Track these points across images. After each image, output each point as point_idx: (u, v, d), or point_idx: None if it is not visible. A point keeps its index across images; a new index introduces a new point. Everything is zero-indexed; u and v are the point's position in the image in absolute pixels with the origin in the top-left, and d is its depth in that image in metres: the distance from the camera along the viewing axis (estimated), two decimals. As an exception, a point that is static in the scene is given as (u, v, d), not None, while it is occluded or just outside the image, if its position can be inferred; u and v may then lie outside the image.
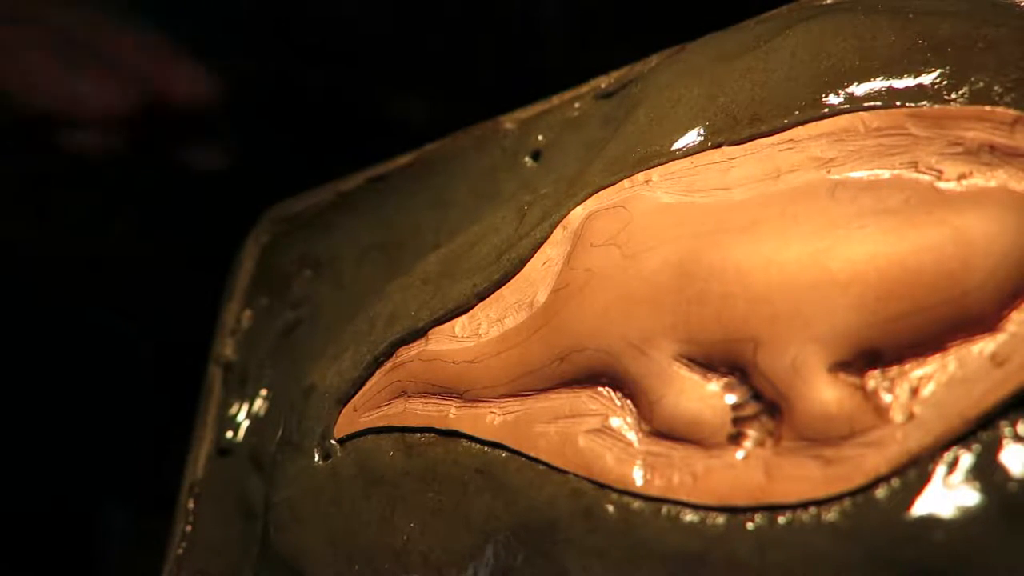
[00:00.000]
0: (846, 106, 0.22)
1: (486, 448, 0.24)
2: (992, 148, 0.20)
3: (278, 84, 0.43)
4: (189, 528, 0.32)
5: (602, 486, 0.21)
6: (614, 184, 0.25)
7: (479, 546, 0.23)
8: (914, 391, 0.19)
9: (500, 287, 0.26)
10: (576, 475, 0.22)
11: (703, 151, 0.24)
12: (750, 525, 0.19)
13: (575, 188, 0.26)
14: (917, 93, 0.22)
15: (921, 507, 0.18)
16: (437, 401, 0.25)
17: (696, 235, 0.22)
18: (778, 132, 0.23)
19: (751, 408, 0.20)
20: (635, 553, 0.20)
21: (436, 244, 0.30)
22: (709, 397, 0.21)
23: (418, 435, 0.25)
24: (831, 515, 0.19)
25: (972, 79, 0.21)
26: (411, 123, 0.44)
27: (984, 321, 0.19)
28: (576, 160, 0.28)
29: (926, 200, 0.20)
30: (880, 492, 0.18)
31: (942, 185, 0.20)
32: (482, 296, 0.26)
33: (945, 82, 0.21)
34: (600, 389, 0.23)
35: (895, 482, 0.18)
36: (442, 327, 0.26)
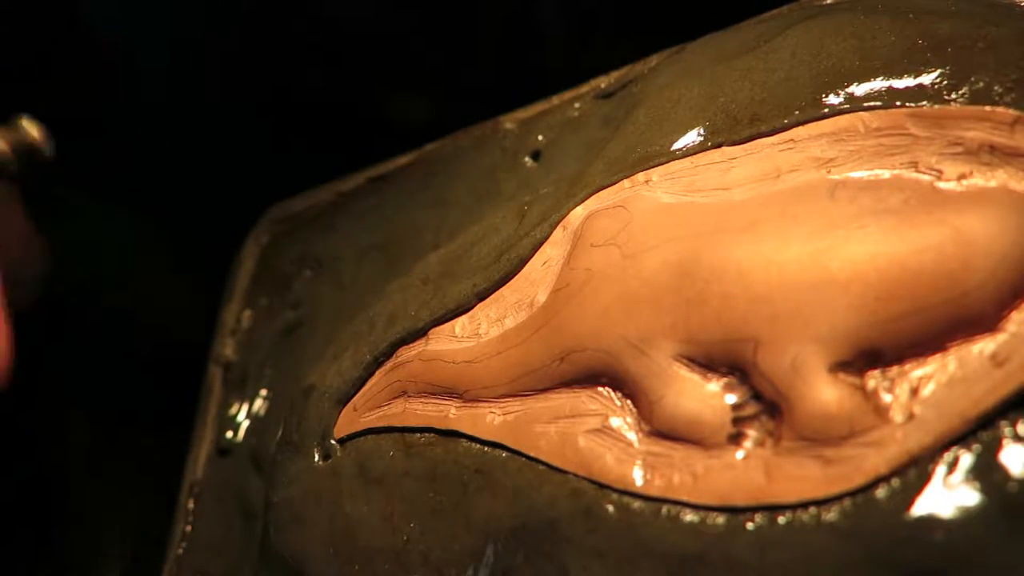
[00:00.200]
0: (846, 106, 0.22)
1: (486, 448, 0.24)
2: (992, 148, 0.20)
3: (278, 84, 0.43)
4: (189, 528, 0.32)
5: (602, 486, 0.21)
6: (614, 184, 0.25)
7: (479, 546, 0.23)
8: (914, 391, 0.19)
9: (500, 287, 0.26)
10: (576, 475, 0.22)
11: (703, 151, 0.24)
12: (750, 525, 0.19)
13: (575, 188, 0.26)
14: (917, 93, 0.22)
15: (921, 507, 0.18)
16: (437, 401, 0.25)
17: (696, 235, 0.22)
18: (778, 132, 0.23)
19: (751, 408, 0.20)
20: (635, 553, 0.20)
21: (436, 244, 0.30)
22: (709, 397, 0.21)
23: (418, 435, 0.25)
24: (831, 515, 0.19)
25: (972, 79, 0.21)
26: (411, 123, 0.44)
27: (984, 321, 0.19)
28: (576, 160, 0.28)
29: (926, 200, 0.20)
30: (880, 492, 0.18)
31: (942, 185, 0.20)
32: (482, 296, 0.26)
33: (945, 82, 0.21)
34: (600, 389, 0.22)
35: (895, 482, 0.18)
36: (442, 327, 0.26)
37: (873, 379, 0.19)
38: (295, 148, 0.43)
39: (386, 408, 0.26)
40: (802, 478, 0.19)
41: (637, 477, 0.21)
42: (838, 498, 0.19)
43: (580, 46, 0.42)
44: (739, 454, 0.20)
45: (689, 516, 0.20)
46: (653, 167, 0.24)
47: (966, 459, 0.18)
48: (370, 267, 0.32)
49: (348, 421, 0.27)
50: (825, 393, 0.19)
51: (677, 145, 0.24)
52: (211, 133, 0.43)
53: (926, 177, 0.20)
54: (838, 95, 0.22)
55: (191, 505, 0.32)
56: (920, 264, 0.19)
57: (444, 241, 0.30)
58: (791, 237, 0.21)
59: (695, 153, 0.24)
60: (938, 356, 0.19)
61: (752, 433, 0.20)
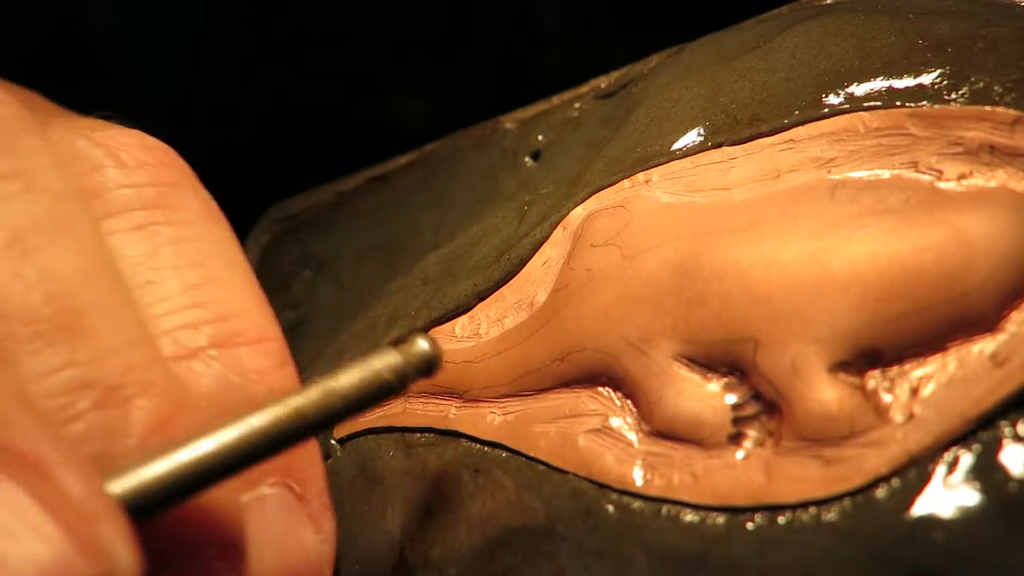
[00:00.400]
0: (846, 106, 0.22)
1: (486, 448, 0.24)
2: (992, 148, 0.20)
3: (278, 84, 0.43)
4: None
5: (602, 486, 0.21)
6: (614, 184, 0.25)
7: (479, 546, 0.23)
8: (914, 391, 0.19)
9: (500, 287, 0.26)
10: (576, 475, 0.22)
11: (703, 151, 0.24)
12: (750, 525, 0.19)
13: (575, 188, 0.26)
14: (917, 93, 0.22)
15: (921, 507, 0.18)
16: (437, 401, 0.25)
17: (696, 235, 0.22)
18: (778, 132, 0.23)
19: (751, 408, 0.20)
20: (635, 553, 0.20)
21: (436, 244, 0.30)
22: (709, 397, 0.21)
23: (418, 435, 0.25)
24: (831, 515, 0.19)
25: (972, 79, 0.21)
26: (411, 123, 0.44)
27: (984, 321, 0.19)
28: (576, 160, 0.28)
29: (926, 200, 0.20)
30: (880, 492, 0.18)
31: (942, 185, 0.20)
32: (482, 296, 0.26)
33: (945, 82, 0.21)
34: (600, 389, 0.23)
35: (895, 482, 0.18)
36: (442, 327, 0.26)
37: (873, 379, 0.19)
38: (295, 148, 0.43)
39: (386, 408, 0.26)
40: (802, 478, 0.19)
41: (637, 477, 0.21)
42: (838, 498, 0.19)
43: (580, 46, 0.42)
44: (739, 454, 0.20)
45: (689, 516, 0.20)
46: (653, 167, 0.24)
47: (966, 459, 0.18)
48: (370, 267, 0.32)
49: (348, 421, 0.27)
50: (825, 393, 0.19)
51: (677, 145, 0.24)
52: (210, 133, 0.43)
53: (926, 177, 0.20)
54: (838, 95, 0.22)
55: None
56: (920, 264, 0.19)
57: (444, 241, 0.30)
58: (791, 237, 0.21)
59: (695, 153, 0.24)
60: (938, 356, 0.19)
61: (752, 433, 0.20)
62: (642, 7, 0.41)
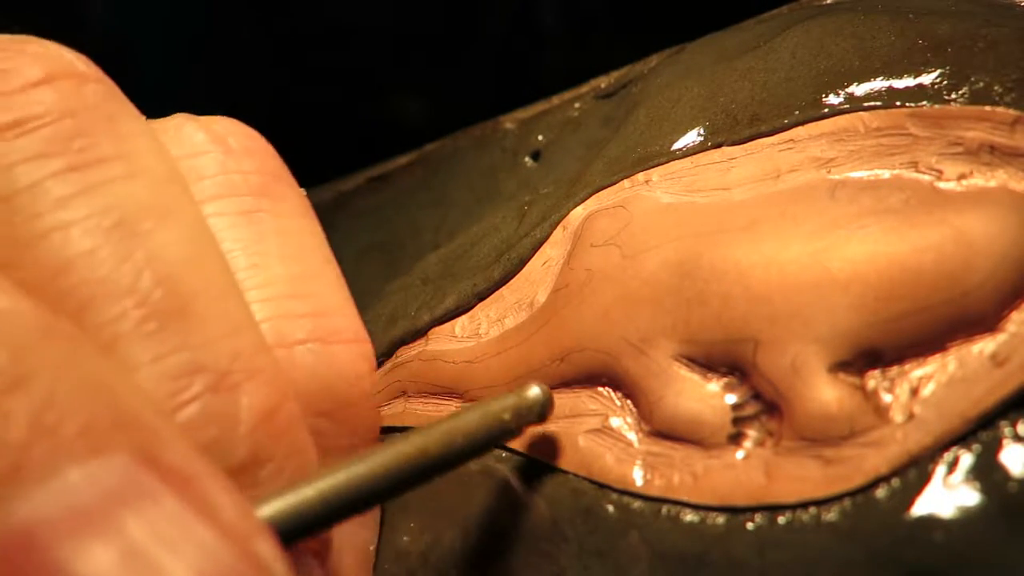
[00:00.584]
0: (846, 106, 0.22)
1: (486, 448, 0.24)
2: (992, 148, 0.20)
3: (278, 84, 0.43)
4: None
5: (602, 486, 0.21)
6: (614, 184, 0.25)
7: (478, 546, 0.23)
8: (914, 391, 0.19)
9: (500, 287, 0.26)
10: (576, 475, 0.22)
11: (703, 151, 0.24)
12: (750, 525, 0.19)
13: (575, 188, 0.26)
14: (917, 93, 0.22)
15: (921, 507, 0.18)
16: (437, 401, 0.25)
17: (696, 235, 0.22)
18: (778, 132, 0.23)
19: (751, 408, 0.20)
20: (635, 553, 0.20)
21: (436, 244, 0.30)
22: (709, 397, 0.21)
23: (418, 435, 0.25)
24: (831, 515, 0.19)
25: (972, 79, 0.21)
26: (411, 123, 0.44)
27: (984, 321, 0.19)
28: (576, 160, 0.28)
29: (926, 200, 0.20)
30: (880, 492, 0.18)
31: (942, 185, 0.20)
32: (482, 296, 0.26)
33: (945, 82, 0.21)
34: (600, 389, 0.22)
35: (895, 482, 0.18)
36: (442, 327, 0.26)
37: (873, 379, 0.19)
38: (295, 148, 0.43)
39: (386, 408, 0.26)
40: (802, 478, 0.19)
41: (637, 477, 0.21)
42: (838, 498, 0.19)
43: (580, 46, 0.42)
44: (739, 454, 0.20)
45: (689, 516, 0.20)
46: (653, 167, 0.24)
47: (966, 459, 0.18)
48: (370, 267, 0.32)
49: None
50: (825, 393, 0.19)
51: (677, 145, 0.24)
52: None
53: (926, 177, 0.20)
54: (838, 95, 0.22)
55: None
56: (920, 264, 0.19)
57: (444, 241, 0.30)
58: (791, 237, 0.21)
59: (695, 153, 0.24)
60: (938, 356, 0.19)
61: (752, 433, 0.20)
62: (642, 7, 0.41)
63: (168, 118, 0.23)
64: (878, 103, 0.22)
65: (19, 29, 0.21)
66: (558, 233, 0.25)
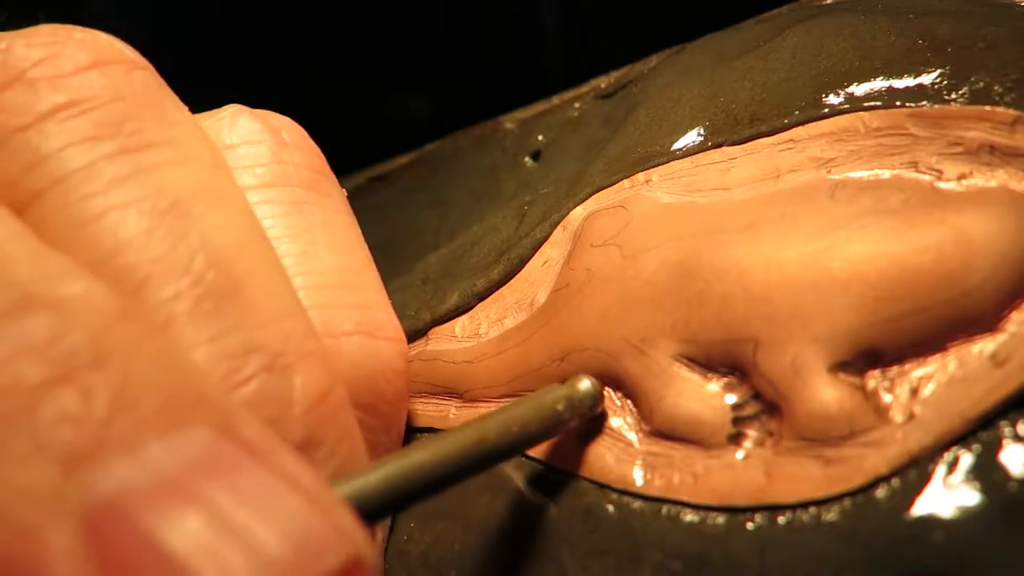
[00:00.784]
0: (846, 106, 0.22)
1: (486, 448, 0.24)
2: (992, 148, 0.20)
3: (278, 84, 0.43)
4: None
5: (602, 486, 0.21)
6: (614, 184, 0.25)
7: (478, 546, 0.23)
8: (914, 391, 0.19)
9: (500, 287, 0.26)
10: (576, 475, 0.22)
11: (703, 151, 0.24)
12: (750, 525, 0.19)
13: (575, 188, 0.26)
14: (917, 93, 0.22)
15: (921, 507, 0.18)
16: (437, 401, 0.25)
17: (696, 235, 0.22)
18: (778, 132, 0.23)
19: (751, 408, 0.20)
20: (635, 553, 0.20)
21: (436, 244, 0.30)
22: (709, 397, 0.21)
23: (418, 435, 0.25)
24: (831, 515, 0.19)
25: (972, 79, 0.21)
26: (411, 123, 0.44)
27: (984, 321, 0.19)
28: (576, 160, 0.28)
29: (926, 200, 0.20)
30: (880, 492, 0.18)
31: (942, 185, 0.20)
32: (482, 296, 0.26)
33: (945, 82, 0.21)
34: (600, 389, 0.22)
35: (895, 482, 0.18)
36: (442, 327, 0.26)
37: (873, 379, 0.19)
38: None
39: (386, 408, 0.26)
40: (802, 478, 0.19)
41: (637, 477, 0.21)
42: (838, 498, 0.19)
43: (580, 46, 0.42)
44: (739, 454, 0.20)
45: (689, 516, 0.20)
46: (653, 167, 0.24)
47: (966, 459, 0.18)
48: (370, 267, 0.32)
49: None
50: (825, 393, 0.19)
51: (677, 145, 0.24)
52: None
53: (926, 177, 0.20)
54: (838, 95, 0.22)
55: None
56: (920, 264, 0.19)
57: (444, 241, 0.30)
58: (791, 237, 0.21)
59: (695, 153, 0.24)
60: (938, 356, 0.19)
61: (752, 433, 0.20)
62: (642, 7, 0.41)
63: (223, 108, 0.23)
64: (878, 103, 0.22)
65: (45, 17, 0.21)
66: (558, 233, 0.25)
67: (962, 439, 0.18)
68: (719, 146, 0.24)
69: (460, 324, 0.26)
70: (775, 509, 0.19)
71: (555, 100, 0.30)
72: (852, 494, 0.19)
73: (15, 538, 0.13)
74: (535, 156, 0.30)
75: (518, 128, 0.31)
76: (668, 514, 0.20)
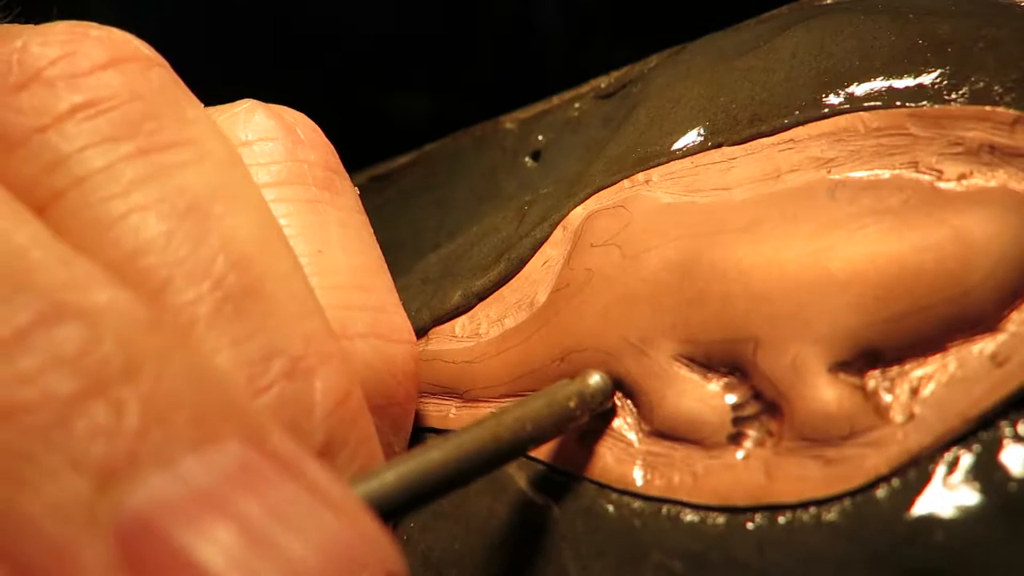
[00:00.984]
0: (846, 106, 0.22)
1: (486, 448, 0.24)
2: (992, 148, 0.20)
3: (278, 84, 0.43)
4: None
5: (602, 486, 0.21)
6: (614, 184, 0.25)
7: (478, 546, 0.23)
8: (914, 391, 0.19)
9: (500, 287, 0.26)
10: (576, 475, 0.22)
11: (703, 151, 0.24)
12: (750, 525, 0.19)
13: (575, 188, 0.26)
14: (917, 93, 0.22)
15: (921, 507, 0.18)
16: (437, 401, 0.25)
17: (696, 235, 0.22)
18: (778, 132, 0.23)
19: (751, 408, 0.20)
20: (635, 553, 0.20)
21: (436, 244, 0.30)
22: (709, 397, 0.21)
23: (420, 435, 0.25)
24: (831, 515, 0.19)
25: (972, 79, 0.21)
26: (411, 123, 0.44)
27: (984, 321, 0.19)
28: (576, 160, 0.28)
29: (926, 200, 0.20)
30: (880, 492, 0.18)
31: (942, 185, 0.20)
32: (482, 296, 0.26)
33: (945, 82, 0.21)
34: (600, 389, 0.22)
35: (895, 482, 0.18)
36: (442, 327, 0.26)
37: (873, 379, 0.19)
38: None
39: (386, 408, 0.26)
40: (802, 478, 0.19)
41: (637, 477, 0.21)
42: (838, 498, 0.19)
43: (580, 46, 0.42)
44: (739, 454, 0.20)
45: (689, 516, 0.20)
46: (653, 167, 0.24)
47: (966, 459, 0.18)
48: (370, 267, 0.32)
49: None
50: (825, 393, 0.19)
51: (677, 145, 0.24)
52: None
53: (926, 177, 0.20)
54: (838, 95, 0.22)
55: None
56: (920, 264, 0.19)
57: (444, 241, 0.30)
58: (791, 237, 0.21)
59: (695, 153, 0.24)
60: (938, 356, 0.19)
61: (752, 433, 0.20)
62: (642, 7, 0.41)
63: (238, 102, 0.23)
64: (878, 103, 0.22)
65: (59, 12, 0.21)
66: (558, 233, 0.25)
67: (962, 439, 0.18)
68: (719, 146, 0.24)
69: (460, 324, 0.26)
70: (775, 509, 0.19)
71: (555, 100, 0.30)
72: (852, 494, 0.19)
73: (48, 554, 0.13)
74: (535, 156, 0.30)
75: (518, 128, 0.31)
76: (668, 514, 0.20)
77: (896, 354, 0.19)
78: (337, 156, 0.24)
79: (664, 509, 0.20)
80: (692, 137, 0.24)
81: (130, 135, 0.18)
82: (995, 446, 0.18)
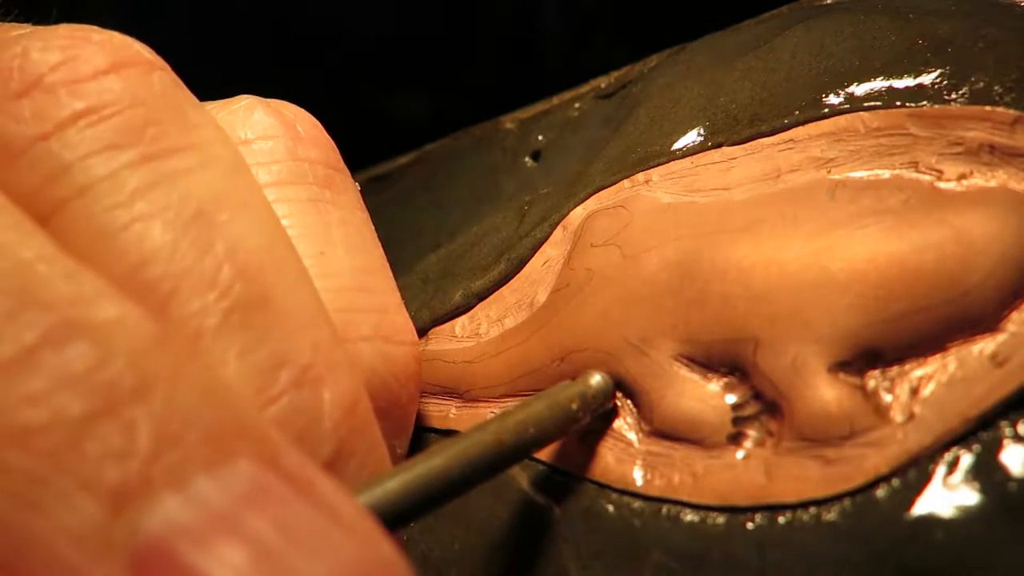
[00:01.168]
0: (846, 106, 0.22)
1: (486, 448, 0.24)
2: (992, 148, 0.20)
3: (278, 84, 0.43)
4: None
5: (602, 486, 0.21)
6: (614, 184, 0.25)
7: (479, 546, 0.23)
8: (914, 391, 0.19)
9: (500, 287, 0.26)
10: (576, 475, 0.22)
11: (703, 151, 0.24)
12: (750, 525, 0.19)
13: (575, 188, 0.26)
14: (917, 93, 0.22)
15: (921, 507, 0.18)
16: (437, 401, 0.25)
17: (696, 235, 0.22)
18: (778, 132, 0.23)
19: (751, 408, 0.20)
20: (635, 553, 0.20)
21: (436, 244, 0.30)
22: (709, 397, 0.21)
23: (421, 435, 0.25)
24: (831, 515, 0.19)
25: (972, 79, 0.21)
26: (411, 123, 0.44)
27: (984, 321, 0.19)
28: (576, 160, 0.28)
29: (926, 200, 0.20)
30: (880, 492, 0.18)
31: (942, 185, 0.20)
32: (482, 296, 0.26)
33: (945, 82, 0.21)
34: (600, 389, 0.22)
35: (895, 482, 0.18)
36: (442, 327, 0.26)
37: (873, 379, 0.19)
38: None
39: (386, 408, 0.26)
40: (802, 478, 0.19)
41: (637, 477, 0.21)
42: (838, 498, 0.19)
43: (580, 46, 0.42)
44: (739, 454, 0.20)
45: (689, 516, 0.20)
46: (653, 167, 0.24)
47: (966, 459, 0.18)
48: (370, 267, 0.32)
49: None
50: (825, 393, 0.19)
51: (677, 145, 0.24)
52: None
53: (926, 177, 0.20)
54: (838, 95, 0.22)
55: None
56: (920, 264, 0.19)
57: (444, 241, 0.30)
58: (791, 237, 0.21)
59: (695, 153, 0.24)
60: (938, 356, 0.19)
61: (752, 433, 0.20)
62: (642, 7, 0.41)
63: (236, 98, 0.23)
64: (878, 103, 0.22)
65: (58, 15, 0.21)
66: (558, 233, 0.25)
67: (962, 439, 0.18)
68: (719, 146, 0.24)
69: (460, 324, 0.26)
70: (775, 509, 0.19)
71: (555, 100, 0.30)
72: (852, 494, 0.19)
73: None
74: (535, 156, 0.30)
75: (518, 128, 0.31)
76: (668, 514, 0.20)
77: (896, 354, 0.19)
78: (337, 152, 0.24)
79: (664, 509, 0.20)
80: (692, 137, 0.24)
81: (133, 142, 0.18)
82: (995, 446, 0.18)
